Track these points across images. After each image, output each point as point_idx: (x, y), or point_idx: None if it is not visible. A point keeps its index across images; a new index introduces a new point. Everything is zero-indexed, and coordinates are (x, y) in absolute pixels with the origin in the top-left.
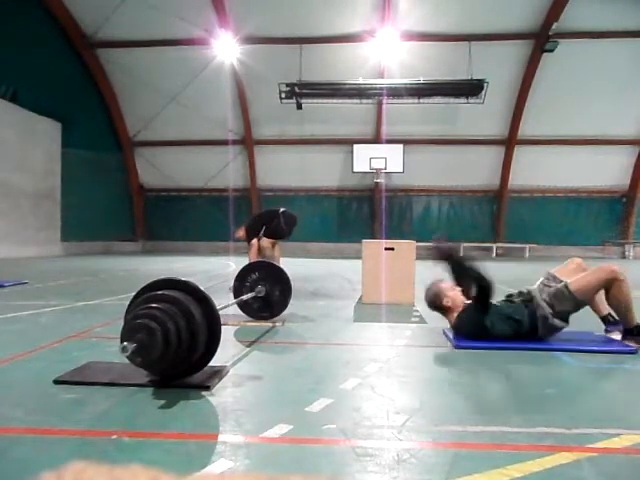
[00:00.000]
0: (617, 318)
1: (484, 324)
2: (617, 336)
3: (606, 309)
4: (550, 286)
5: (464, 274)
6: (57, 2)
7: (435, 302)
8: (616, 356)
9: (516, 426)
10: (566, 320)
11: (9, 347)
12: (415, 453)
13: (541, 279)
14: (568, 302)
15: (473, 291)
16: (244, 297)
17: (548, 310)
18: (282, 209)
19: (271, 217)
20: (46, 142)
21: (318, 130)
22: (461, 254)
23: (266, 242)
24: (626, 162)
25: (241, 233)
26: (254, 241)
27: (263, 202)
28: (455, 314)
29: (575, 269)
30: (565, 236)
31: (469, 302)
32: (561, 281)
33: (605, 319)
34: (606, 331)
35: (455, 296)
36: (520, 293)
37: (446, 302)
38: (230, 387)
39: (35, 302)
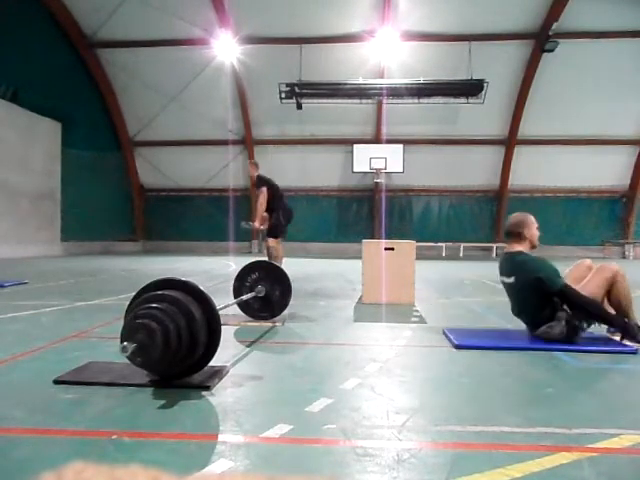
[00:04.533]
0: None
1: (539, 284)
2: (618, 337)
3: (612, 310)
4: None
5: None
6: (57, 2)
7: (516, 227)
8: (616, 356)
9: (516, 426)
10: (572, 337)
11: (9, 347)
12: (415, 453)
13: None
14: (582, 313)
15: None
16: (244, 297)
17: (561, 330)
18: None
19: (276, 205)
20: (46, 142)
21: (318, 130)
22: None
23: (271, 242)
24: (626, 162)
25: (253, 172)
26: (264, 189)
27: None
28: (520, 248)
29: (584, 276)
30: (565, 236)
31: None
32: None
33: None
34: (609, 331)
35: (535, 234)
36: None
37: (526, 233)
38: (230, 387)
39: (35, 302)
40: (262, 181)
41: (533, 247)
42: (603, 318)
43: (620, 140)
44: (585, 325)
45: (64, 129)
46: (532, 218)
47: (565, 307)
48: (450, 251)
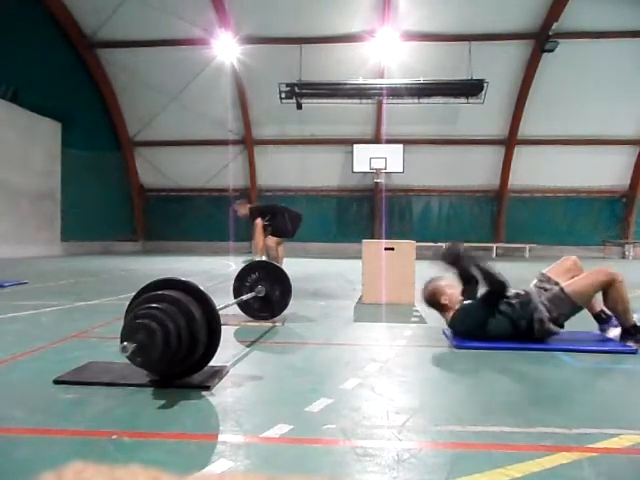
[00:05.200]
0: (609, 314)
1: (483, 322)
2: (612, 333)
3: (599, 306)
4: (545, 288)
5: (472, 277)
6: (57, 2)
7: (432, 299)
8: (616, 356)
9: (516, 426)
10: (561, 325)
11: (9, 347)
12: (415, 453)
13: (535, 280)
14: (565, 306)
15: (482, 289)
16: (244, 297)
17: (545, 314)
18: (284, 205)
19: (276, 211)
20: (46, 142)
21: (318, 130)
22: (471, 254)
23: (271, 241)
24: (626, 162)
25: (244, 210)
26: (259, 221)
27: (263, 202)
28: (451, 312)
29: (570, 268)
30: (565, 236)
31: (468, 301)
32: (556, 282)
33: (598, 316)
34: (601, 330)
35: (453, 294)
36: (517, 294)
37: (444, 300)
38: (230, 387)
39: (35, 302)
40: (254, 212)
41: (461, 301)
42: (495, 280)
43: (620, 140)
44: (547, 317)
45: (64, 129)
46: (443, 281)
47: (505, 307)
48: None
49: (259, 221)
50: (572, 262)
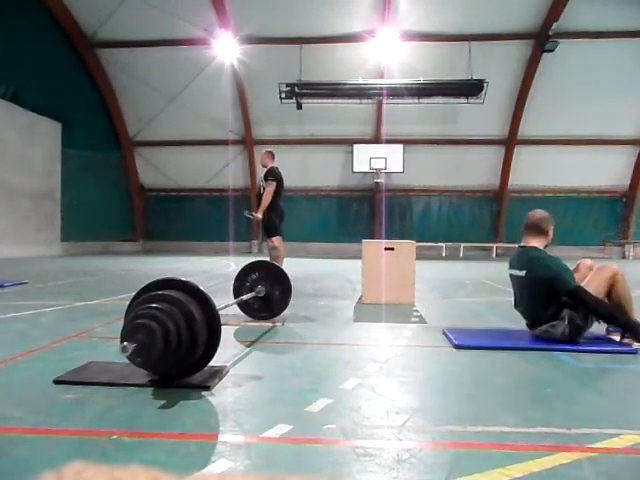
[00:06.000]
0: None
1: (560, 283)
2: (617, 337)
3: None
4: None
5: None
6: (57, 2)
7: (539, 222)
8: (616, 356)
9: (516, 426)
10: (582, 328)
11: (9, 347)
12: (415, 453)
13: None
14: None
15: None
16: (244, 297)
17: (578, 321)
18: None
19: (274, 203)
20: (46, 142)
21: (318, 130)
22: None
23: (276, 241)
24: (626, 162)
25: (265, 162)
26: (274, 183)
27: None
28: (537, 244)
29: (586, 272)
30: (565, 236)
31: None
32: None
33: None
34: (607, 331)
35: (550, 233)
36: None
37: (546, 228)
38: (230, 387)
39: (35, 302)
40: (275, 175)
41: (546, 246)
42: (614, 319)
43: (620, 140)
44: (588, 325)
45: (64, 129)
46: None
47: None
48: (450, 251)
49: (274, 184)
50: (588, 267)
